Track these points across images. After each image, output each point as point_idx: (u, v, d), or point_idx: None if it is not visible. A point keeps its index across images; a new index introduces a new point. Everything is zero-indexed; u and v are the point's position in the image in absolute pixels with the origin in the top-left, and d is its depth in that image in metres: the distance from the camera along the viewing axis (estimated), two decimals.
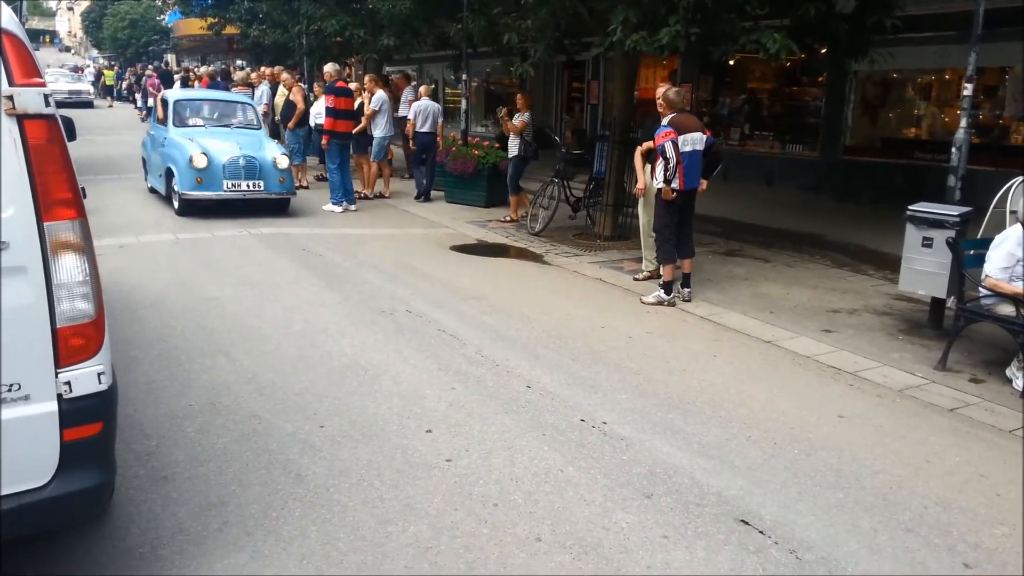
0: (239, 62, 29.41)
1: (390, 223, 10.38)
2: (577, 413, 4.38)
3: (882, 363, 5.41)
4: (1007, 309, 5.03)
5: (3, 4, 2.43)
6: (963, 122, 6.67)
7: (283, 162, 10.15)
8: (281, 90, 13.55)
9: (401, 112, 13.29)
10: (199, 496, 3.37)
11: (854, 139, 12.70)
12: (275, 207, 10.32)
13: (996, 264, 5.10)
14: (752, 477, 3.73)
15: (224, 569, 2.90)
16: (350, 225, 9.99)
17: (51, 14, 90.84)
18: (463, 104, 13.08)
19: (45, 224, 2.37)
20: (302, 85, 14.67)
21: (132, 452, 3.71)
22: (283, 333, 5.57)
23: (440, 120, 12.47)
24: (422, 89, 13.08)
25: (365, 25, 14.09)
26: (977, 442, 4.27)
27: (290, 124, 12.72)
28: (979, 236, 5.91)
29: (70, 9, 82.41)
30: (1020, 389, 4.87)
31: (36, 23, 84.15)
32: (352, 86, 12.22)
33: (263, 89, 14.61)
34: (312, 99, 13.61)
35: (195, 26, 26.91)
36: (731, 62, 13.78)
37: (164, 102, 11.26)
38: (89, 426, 2.52)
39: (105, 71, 40.53)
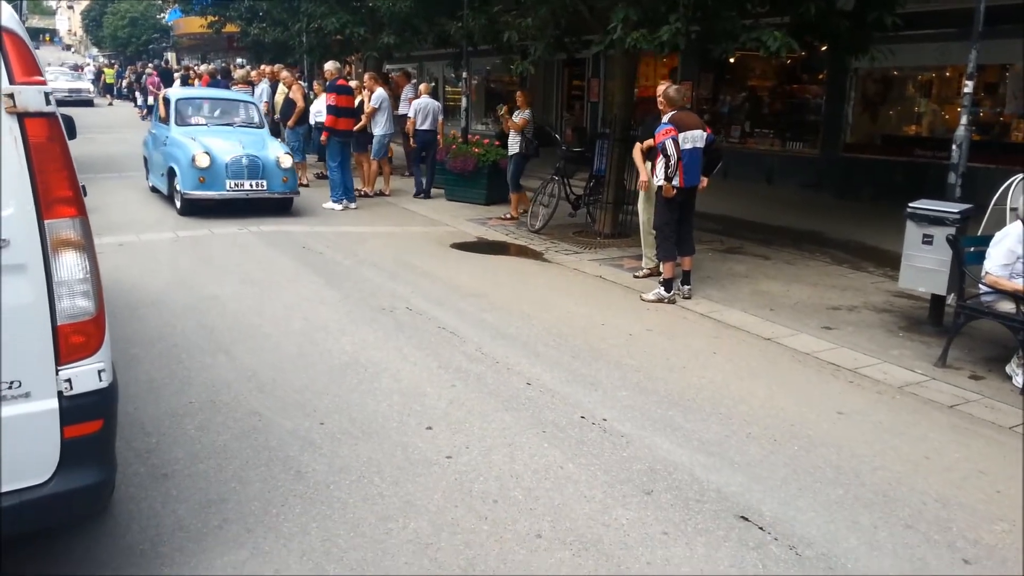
0: (239, 60, 29.39)
1: (390, 221, 10.38)
2: (577, 410, 4.39)
3: (882, 360, 5.41)
4: (1007, 306, 5.04)
5: (3, 2, 2.43)
6: (964, 119, 6.69)
7: (286, 161, 10.11)
8: (281, 88, 13.54)
9: (401, 110, 13.28)
10: (199, 493, 3.38)
11: (854, 136, 12.69)
12: (278, 206, 10.27)
13: (996, 261, 5.11)
14: (752, 473, 3.74)
15: (224, 566, 2.91)
16: (350, 223, 9.99)
17: (51, 12, 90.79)
18: (463, 102, 13.06)
19: (46, 222, 2.38)
20: (302, 83, 14.67)
21: (132, 449, 3.72)
22: (283, 331, 5.57)
23: (440, 118, 12.47)
24: (422, 87, 13.10)
25: (365, 23, 14.09)
26: (977, 439, 4.27)
27: (290, 122, 12.73)
28: (979, 233, 5.92)
29: (70, 7, 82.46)
30: (1020, 386, 4.88)
31: (36, 21, 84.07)
32: (352, 84, 12.22)
33: (263, 87, 14.60)
34: (312, 97, 13.61)
35: (195, 24, 26.93)
36: (731, 60, 13.76)
37: (166, 101, 11.18)
38: (89, 423, 2.53)
39: (105, 69, 40.63)
